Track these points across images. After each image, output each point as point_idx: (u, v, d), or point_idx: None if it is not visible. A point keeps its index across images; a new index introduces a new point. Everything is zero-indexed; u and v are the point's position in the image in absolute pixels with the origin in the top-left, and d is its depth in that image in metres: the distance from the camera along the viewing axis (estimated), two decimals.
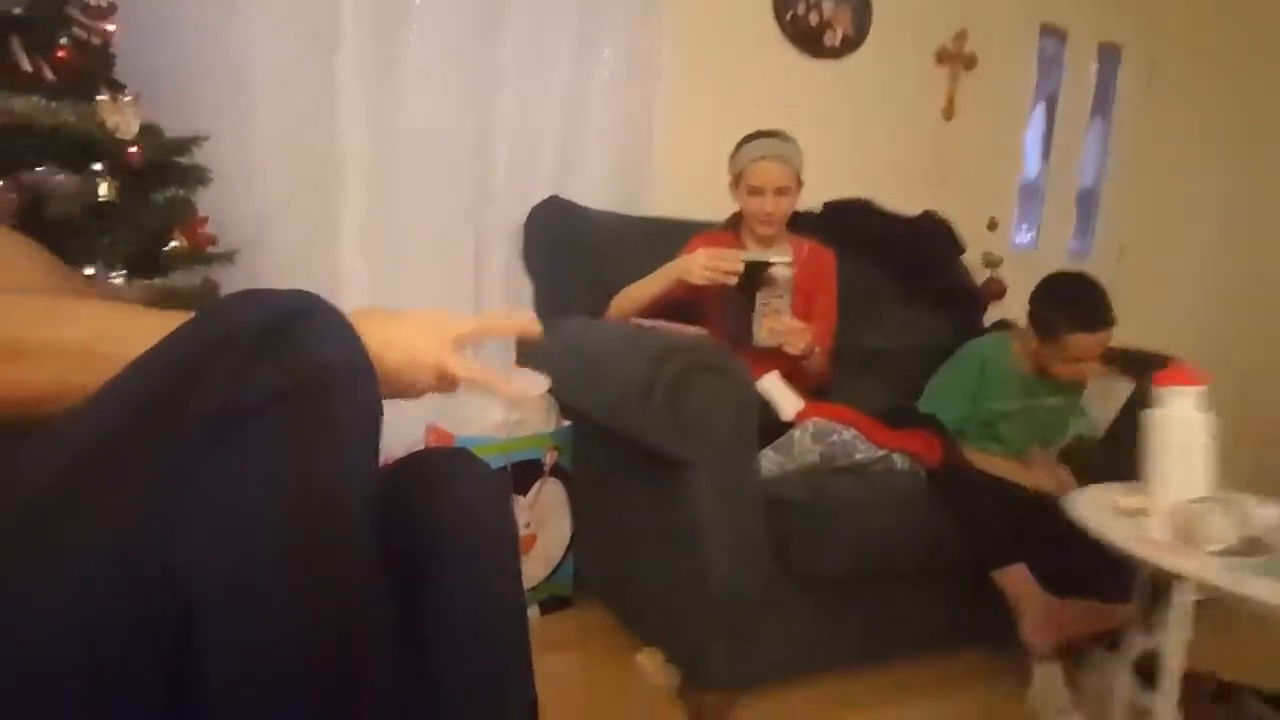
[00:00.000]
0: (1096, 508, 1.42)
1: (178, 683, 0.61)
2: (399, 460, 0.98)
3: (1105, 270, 3.37)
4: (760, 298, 1.76)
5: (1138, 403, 1.99)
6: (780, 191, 1.90)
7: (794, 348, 1.77)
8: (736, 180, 1.96)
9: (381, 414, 0.73)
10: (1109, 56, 3.37)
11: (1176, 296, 3.36)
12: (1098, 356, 1.87)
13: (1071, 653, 1.70)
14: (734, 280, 1.72)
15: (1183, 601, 1.25)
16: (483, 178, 2.23)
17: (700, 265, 1.73)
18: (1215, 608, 2.27)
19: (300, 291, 0.70)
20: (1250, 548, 1.23)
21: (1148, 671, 1.75)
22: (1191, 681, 1.76)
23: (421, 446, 1.94)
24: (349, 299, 2.08)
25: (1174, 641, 1.26)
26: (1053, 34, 3.21)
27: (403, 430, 2.04)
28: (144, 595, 0.60)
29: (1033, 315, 1.91)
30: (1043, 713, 1.63)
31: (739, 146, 1.96)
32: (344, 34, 2.00)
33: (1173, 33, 3.36)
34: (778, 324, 1.76)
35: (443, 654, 0.86)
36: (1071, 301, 1.84)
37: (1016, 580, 1.65)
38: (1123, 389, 1.97)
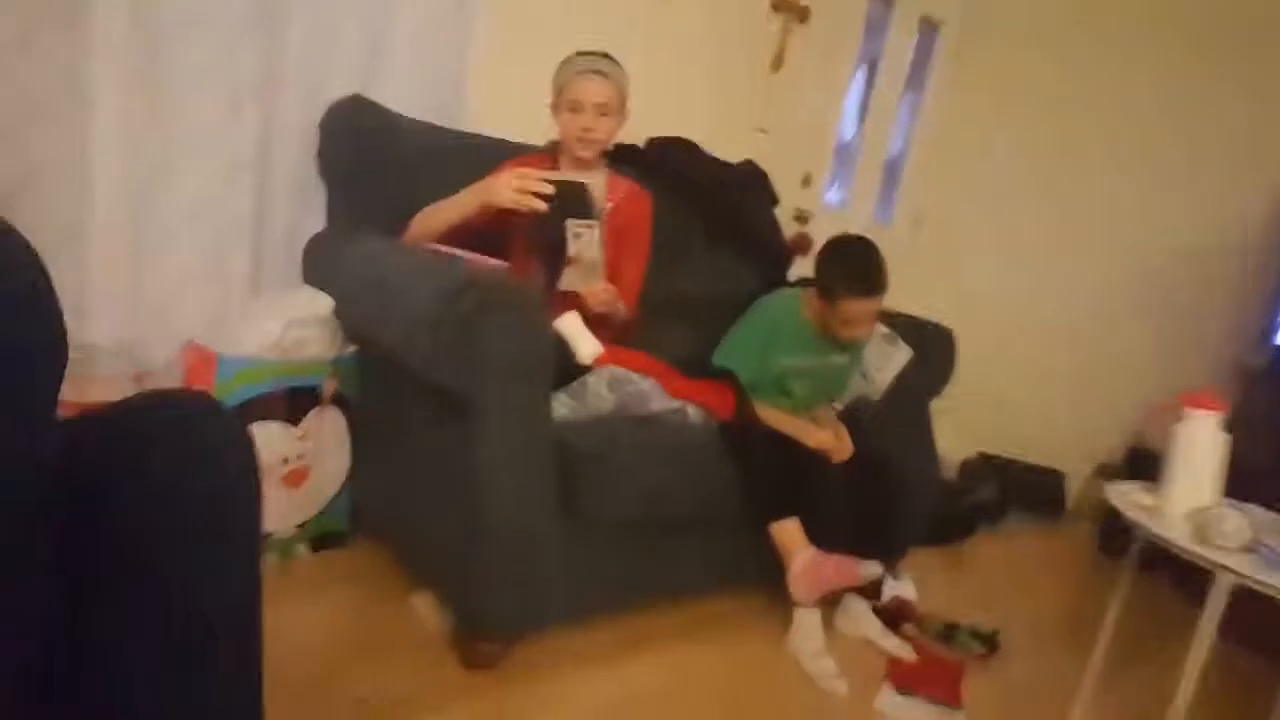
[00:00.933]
0: (1128, 505, 1.61)
1: None
2: (125, 400, 0.83)
3: (902, 238, 3.61)
4: (570, 225, 1.67)
5: (915, 370, 2.15)
6: (601, 110, 1.82)
7: (597, 304, 1.73)
8: (557, 98, 1.85)
9: (59, 342, 0.60)
10: (928, 30, 3.52)
11: (967, 269, 3.65)
12: (870, 320, 1.96)
13: (831, 600, 1.83)
14: (542, 205, 1.62)
15: (1221, 591, 1.42)
16: (270, 61, 1.93)
17: (508, 186, 1.62)
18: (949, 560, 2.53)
19: None
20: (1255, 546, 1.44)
21: (892, 618, 1.93)
22: (925, 621, 1.96)
23: (178, 366, 1.72)
24: (99, 184, 1.76)
25: (1208, 620, 1.43)
26: (881, 0, 3.29)
27: (158, 346, 1.80)
28: None
29: (815, 277, 1.97)
30: (801, 655, 1.74)
31: (564, 62, 1.87)
32: None
33: (988, 17, 3.56)
34: (586, 280, 1.69)
35: (145, 611, 0.74)
36: (847, 266, 1.90)
37: (788, 532, 1.73)
38: (901, 355, 2.10)
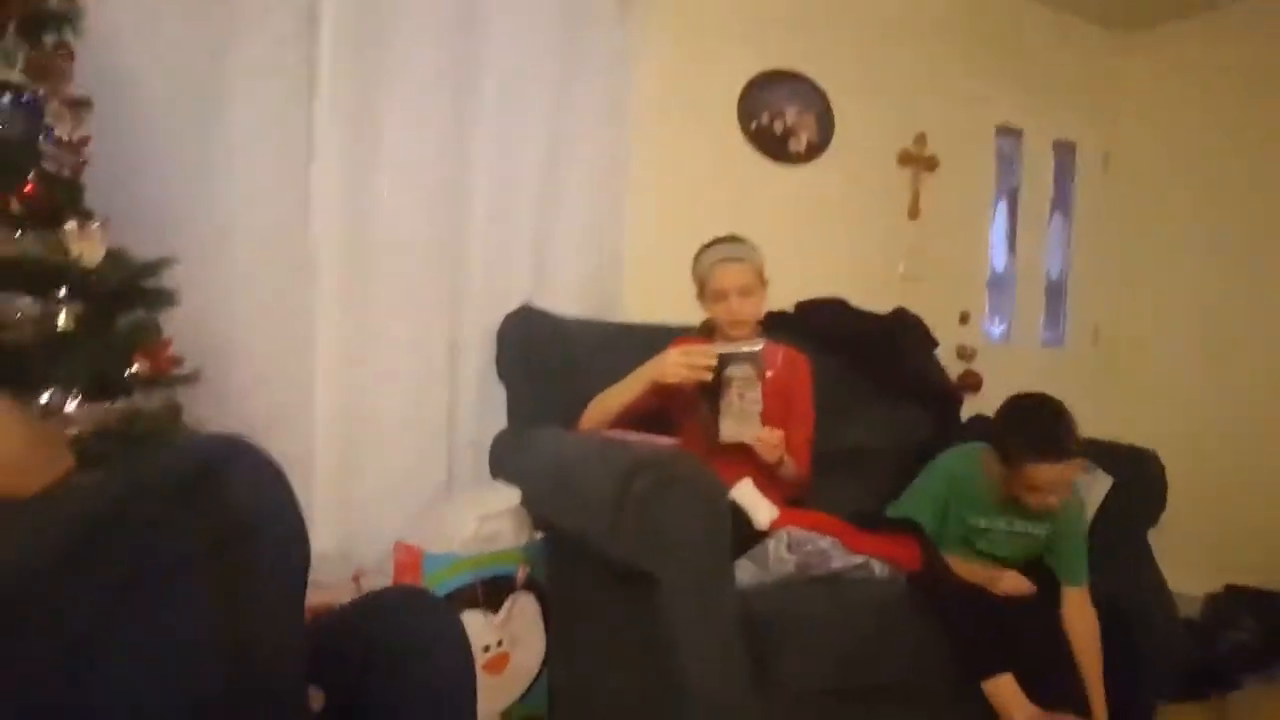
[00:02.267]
0: None
1: None
2: (355, 601, 0.94)
3: (1080, 358, 3.44)
4: (727, 375, 1.73)
5: (1119, 499, 1.98)
6: (744, 292, 1.91)
7: (764, 451, 1.76)
8: (701, 289, 1.98)
9: (308, 560, 0.71)
10: (1064, 152, 3.51)
11: (1155, 384, 3.39)
12: (1064, 488, 1.72)
13: None
14: (709, 376, 1.72)
15: None
16: (455, 284, 2.23)
17: (674, 363, 1.73)
18: None
19: (225, 437, 0.69)
20: None
21: None
22: None
23: (389, 562, 1.89)
24: (320, 412, 2.05)
25: None
26: (1009, 134, 3.34)
27: (371, 545, 1.99)
28: None
29: (994, 440, 1.79)
30: None
31: (697, 256, 1.98)
32: (318, 143, 2.02)
33: (1124, 126, 3.51)
34: (744, 425, 1.74)
35: None
36: (1029, 429, 1.70)
37: (1002, 690, 1.58)
38: (1100, 485, 1.95)
